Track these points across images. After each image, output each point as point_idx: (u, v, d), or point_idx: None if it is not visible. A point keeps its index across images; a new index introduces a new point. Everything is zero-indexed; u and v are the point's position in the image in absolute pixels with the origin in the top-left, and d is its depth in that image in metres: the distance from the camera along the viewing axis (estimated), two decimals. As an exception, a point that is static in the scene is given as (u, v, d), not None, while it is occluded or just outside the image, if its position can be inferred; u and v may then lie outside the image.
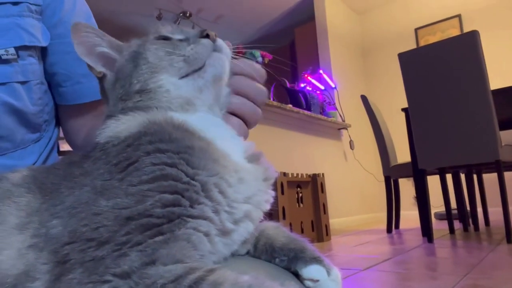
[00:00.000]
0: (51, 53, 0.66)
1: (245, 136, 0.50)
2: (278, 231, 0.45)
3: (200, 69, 0.43)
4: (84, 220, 0.31)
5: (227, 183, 0.37)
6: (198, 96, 0.44)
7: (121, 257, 0.29)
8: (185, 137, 0.38)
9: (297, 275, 0.42)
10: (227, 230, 0.37)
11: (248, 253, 0.44)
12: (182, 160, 0.35)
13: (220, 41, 0.46)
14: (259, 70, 0.52)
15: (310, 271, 0.41)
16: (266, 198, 0.42)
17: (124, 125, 0.41)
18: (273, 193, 0.43)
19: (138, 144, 0.37)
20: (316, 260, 0.41)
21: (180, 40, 0.46)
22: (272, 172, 0.43)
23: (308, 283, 0.41)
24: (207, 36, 0.45)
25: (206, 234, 0.34)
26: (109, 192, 0.33)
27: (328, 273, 0.41)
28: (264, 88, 0.51)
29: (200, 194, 0.34)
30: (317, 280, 0.40)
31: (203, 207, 0.34)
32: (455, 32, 4.71)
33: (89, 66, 0.48)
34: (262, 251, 0.43)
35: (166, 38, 0.46)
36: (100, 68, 0.48)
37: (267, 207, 0.42)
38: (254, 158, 0.43)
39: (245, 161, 0.42)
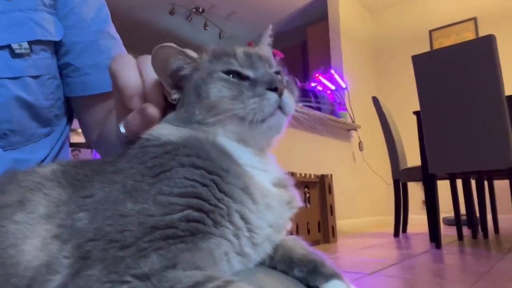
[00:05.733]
0: (61, 45, 0.66)
1: None
2: (297, 243, 0.45)
3: (259, 122, 0.41)
4: (109, 220, 0.32)
5: (250, 211, 0.37)
6: (251, 140, 0.43)
7: (142, 258, 0.29)
8: (222, 159, 0.38)
9: None
10: (245, 253, 0.37)
11: (263, 262, 0.44)
12: (213, 182, 0.36)
13: (286, 97, 0.42)
14: None
15: (333, 287, 0.40)
16: (286, 224, 0.43)
17: (168, 130, 0.41)
18: (291, 224, 0.44)
19: (175, 154, 0.37)
20: (337, 276, 0.41)
21: (249, 79, 0.43)
22: (297, 202, 0.44)
23: None
24: (276, 89, 0.41)
25: (225, 254, 0.35)
26: (137, 195, 0.34)
27: None
28: None
29: (224, 217, 0.35)
30: None
31: (225, 230, 0.35)
32: (470, 35, 4.64)
33: (165, 89, 0.45)
34: (280, 261, 0.43)
35: (234, 73, 0.43)
36: (175, 94, 0.45)
37: (285, 232, 0.43)
38: (282, 185, 0.43)
39: (273, 186, 0.42)
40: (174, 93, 0.44)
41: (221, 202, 0.35)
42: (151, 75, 0.44)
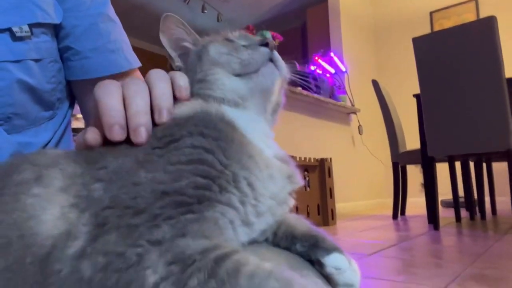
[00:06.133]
0: (61, 28, 0.66)
1: None
2: (298, 221, 0.46)
3: (253, 73, 0.46)
4: (124, 188, 0.33)
5: (256, 178, 0.38)
6: (249, 96, 0.46)
7: (154, 227, 0.31)
8: (228, 129, 0.40)
9: (312, 264, 0.43)
10: (249, 222, 0.38)
11: (266, 239, 0.45)
12: (220, 148, 0.37)
13: (276, 54, 0.48)
14: None
15: (333, 259, 0.42)
16: (288, 199, 0.43)
17: (179, 108, 0.43)
18: (293, 201, 0.45)
19: (184, 125, 0.39)
20: (338, 250, 0.42)
21: (243, 46, 0.49)
22: (298, 178, 0.45)
23: (331, 270, 0.42)
24: (267, 44, 0.47)
25: (231, 222, 0.36)
26: (149, 165, 0.35)
27: (349, 262, 0.42)
28: None
29: (230, 183, 0.36)
30: (339, 268, 0.41)
31: (231, 196, 0.36)
32: (471, 16, 4.59)
33: (169, 56, 0.52)
34: (282, 238, 0.44)
35: (230, 41, 0.50)
36: (178, 62, 0.52)
37: (287, 209, 0.44)
38: (283, 160, 0.45)
39: (275, 159, 0.44)
40: (177, 61, 0.51)
41: (228, 168, 0.36)
42: (137, 104, 0.41)
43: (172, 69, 0.52)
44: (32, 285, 0.31)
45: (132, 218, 0.31)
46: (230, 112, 0.43)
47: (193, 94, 0.47)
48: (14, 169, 0.38)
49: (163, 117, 0.40)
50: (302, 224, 0.46)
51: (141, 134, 0.39)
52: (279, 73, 0.48)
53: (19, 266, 0.31)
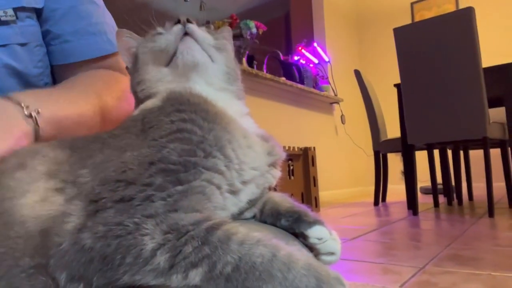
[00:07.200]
0: (41, 12, 0.65)
1: None
2: (283, 199, 0.49)
3: (174, 55, 0.46)
4: (112, 167, 0.35)
5: (238, 143, 0.40)
6: (185, 78, 0.46)
7: (147, 201, 0.33)
8: (201, 101, 0.42)
9: (297, 237, 0.46)
10: (236, 189, 0.40)
11: (254, 217, 0.48)
12: (199, 116, 0.39)
13: (191, 26, 0.47)
14: None
15: (315, 231, 0.45)
16: (272, 172, 0.45)
17: (150, 102, 0.45)
18: (279, 172, 0.47)
19: (160, 110, 0.41)
20: (319, 222, 0.46)
21: (161, 33, 0.49)
22: (280, 151, 0.47)
23: (314, 240, 0.45)
24: (179, 21, 0.48)
25: (218, 187, 0.38)
26: (133, 148, 0.37)
27: (330, 233, 0.45)
28: None
29: (214, 148, 0.38)
30: (321, 238, 0.45)
31: (216, 161, 0.38)
32: (451, 7, 4.68)
33: (126, 67, 0.55)
34: (268, 215, 0.47)
35: (157, 34, 0.50)
36: (129, 64, 0.54)
37: (273, 181, 0.46)
38: (264, 138, 0.47)
39: (254, 135, 0.45)
40: (129, 63, 0.54)
41: (209, 133, 0.38)
42: None
43: None
44: (34, 255, 0.32)
45: (125, 190, 0.33)
46: (196, 87, 0.45)
47: (138, 97, 0.48)
48: (1, 160, 0.40)
49: None
50: (286, 201, 0.49)
51: None
52: (198, 43, 0.47)
53: (8, 240, 0.33)
